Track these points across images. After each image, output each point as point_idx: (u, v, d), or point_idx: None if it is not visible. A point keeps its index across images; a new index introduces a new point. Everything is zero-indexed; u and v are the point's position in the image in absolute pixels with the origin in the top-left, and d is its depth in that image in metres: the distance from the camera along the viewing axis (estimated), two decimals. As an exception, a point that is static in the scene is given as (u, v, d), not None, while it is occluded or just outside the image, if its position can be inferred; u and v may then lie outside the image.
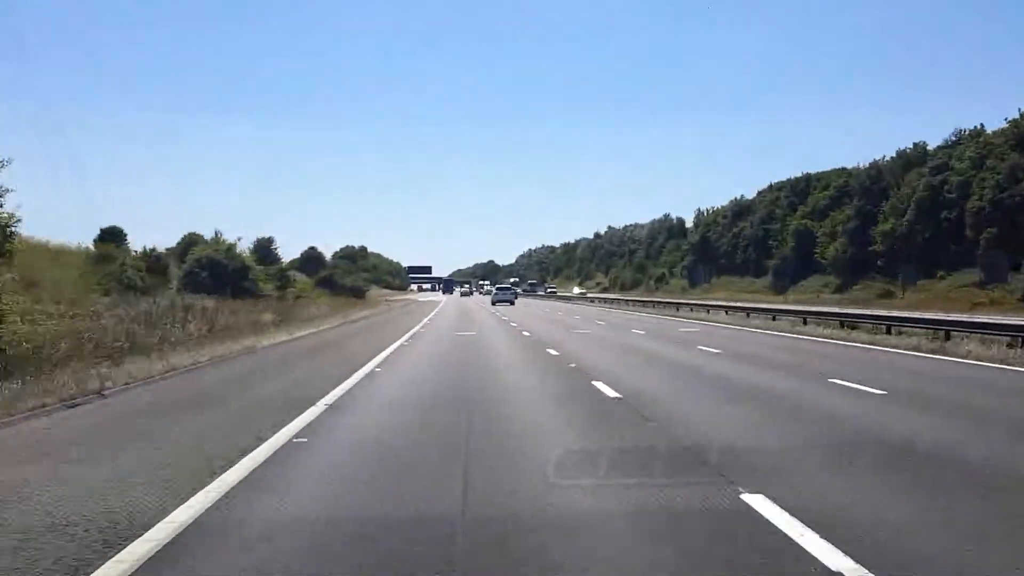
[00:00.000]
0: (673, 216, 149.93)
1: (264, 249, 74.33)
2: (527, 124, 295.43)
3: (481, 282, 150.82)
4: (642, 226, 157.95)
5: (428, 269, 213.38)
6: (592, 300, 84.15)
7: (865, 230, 73.11)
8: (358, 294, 50.17)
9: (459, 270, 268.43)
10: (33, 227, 44.26)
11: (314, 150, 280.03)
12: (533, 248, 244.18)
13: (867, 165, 78.55)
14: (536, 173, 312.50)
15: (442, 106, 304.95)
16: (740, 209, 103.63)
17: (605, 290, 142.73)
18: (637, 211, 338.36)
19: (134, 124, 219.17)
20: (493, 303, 74.60)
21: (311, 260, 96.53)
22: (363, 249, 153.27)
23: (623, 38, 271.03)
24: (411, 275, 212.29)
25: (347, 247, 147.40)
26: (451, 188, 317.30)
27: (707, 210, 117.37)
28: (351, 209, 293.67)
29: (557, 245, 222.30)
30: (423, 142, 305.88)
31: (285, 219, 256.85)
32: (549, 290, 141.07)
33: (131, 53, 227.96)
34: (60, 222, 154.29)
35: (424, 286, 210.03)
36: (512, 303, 74.57)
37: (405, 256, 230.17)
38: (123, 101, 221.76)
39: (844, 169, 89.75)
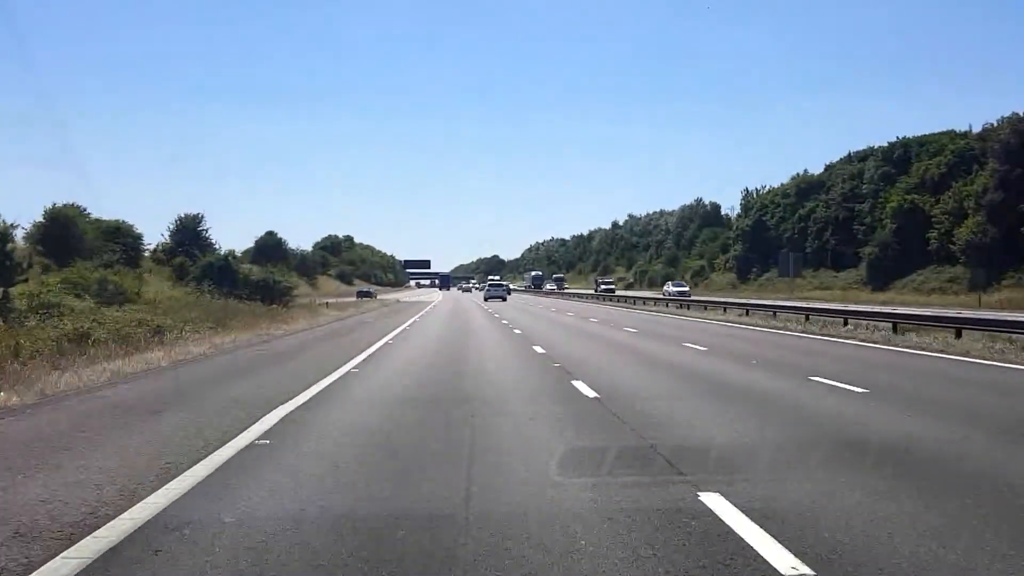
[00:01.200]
0: (706, 201, 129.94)
1: (187, 231, 54.39)
2: (531, 114, 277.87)
3: (491, 277, 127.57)
4: (670, 213, 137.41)
5: (426, 263, 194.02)
6: (688, 306, 47.02)
7: (1015, 204, 52.86)
8: (278, 298, 28.24)
9: (461, 265, 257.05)
10: None
11: (313, 142, 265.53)
12: (541, 241, 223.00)
13: (1008, 117, 58.05)
14: (541, 164, 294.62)
15: (443, 95, 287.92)
16: (807, 187, 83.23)
17: (630, 286, 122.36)
18: (655, 200, 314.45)
19: (127, 117, 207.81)
20: (486, 299, 72.44)
21: (268, 248, 76.73)
22: (348, 239, 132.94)
23: (637, 23, 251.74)
24: (408, 270, 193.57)
25: (329, 237, 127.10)
26: (453, 181, 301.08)
27: (756, 191, 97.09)
28: (352, 203, 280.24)
29: (567, 238, 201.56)
30: (424, 134, 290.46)
31: (285, 213, 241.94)
32: (603, 287, 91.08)
33: (126, 46, 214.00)
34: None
35: (423, 282, 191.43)
36: (504, 299, 71.81)
37: (408, 253, 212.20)
38: (118, 93, 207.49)
39: (952, 131, 69.59)
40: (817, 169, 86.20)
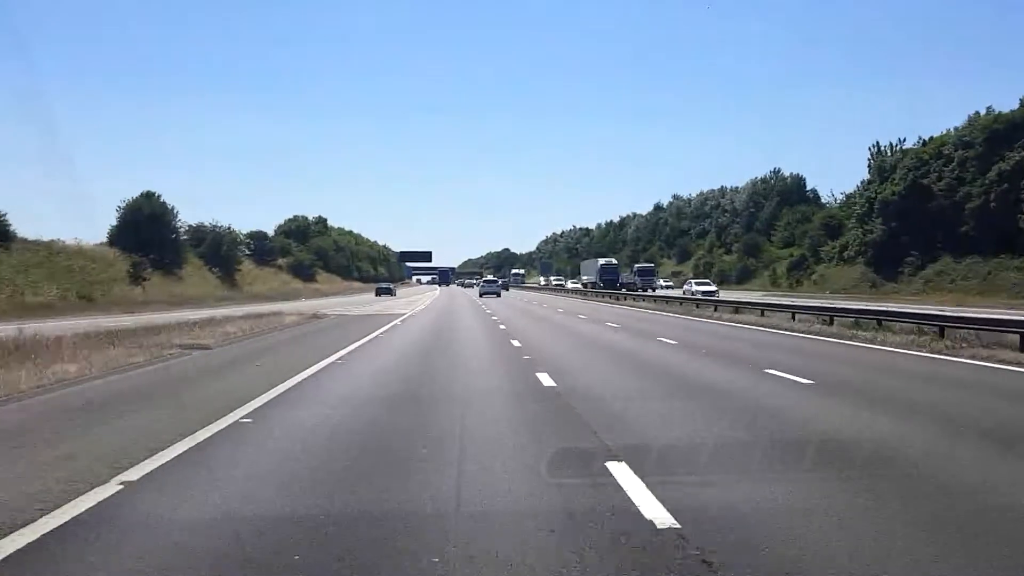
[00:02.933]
0: (785, 173, 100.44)
1: None
2: (543, 100, 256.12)
3: (515, 271, 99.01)
4: (735, 190, 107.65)
5: (427, 256, 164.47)
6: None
7: None
8: None
9: (469, 260, 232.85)
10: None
11: (317, 137, 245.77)
12: (559, 232, 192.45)
13: None
14: (555, 153, 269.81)
15: (450, 85, 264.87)
16: (1003, 130, 53.51)
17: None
18: (685, 185, 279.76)
19: (115, 110, 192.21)
20: (480, 295, 68.15)
21: (143, 221, 47.27)
22: (320, 222, 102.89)
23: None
24: (406, 263, 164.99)
25: (295, 218, 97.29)
26: (461, 171, 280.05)
27: (892, 146, 67.49)
28: (354, 198, 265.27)
29: (591, 227, 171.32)
30: (431, 126, 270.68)
31: (286, 209, 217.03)
32: None
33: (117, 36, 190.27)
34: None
35: (423, 279, 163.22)
36: (498, 295, 69.18)
37: (413, 246, 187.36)
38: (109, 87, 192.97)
39: None
40: (1006, 105, 56.59)
